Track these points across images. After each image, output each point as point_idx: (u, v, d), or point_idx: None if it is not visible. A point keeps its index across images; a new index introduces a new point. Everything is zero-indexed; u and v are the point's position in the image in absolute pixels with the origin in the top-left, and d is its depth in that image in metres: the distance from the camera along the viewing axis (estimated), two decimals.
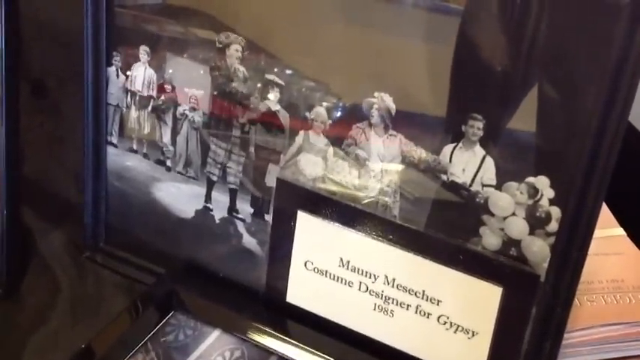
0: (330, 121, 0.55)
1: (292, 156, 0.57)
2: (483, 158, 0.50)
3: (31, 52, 0.67)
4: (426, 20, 0.50)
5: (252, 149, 0.58)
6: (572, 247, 0.49)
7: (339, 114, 0.55)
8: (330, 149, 0.55)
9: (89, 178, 0.65)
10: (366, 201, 0.55)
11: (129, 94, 0.62)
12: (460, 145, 0.51)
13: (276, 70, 0.56)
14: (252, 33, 0.56)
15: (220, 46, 0.57)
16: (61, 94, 0.69)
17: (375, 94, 0.52)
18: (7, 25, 0.63)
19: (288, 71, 0.55)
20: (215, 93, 0.58)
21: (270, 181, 0.58)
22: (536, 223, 0.50)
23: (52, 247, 0.69)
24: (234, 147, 0.59)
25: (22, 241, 0.68)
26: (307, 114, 0.55)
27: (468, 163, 0.51)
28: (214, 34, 0.57)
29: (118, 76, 0.62)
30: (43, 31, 0.67)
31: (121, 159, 0.65)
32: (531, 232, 0.50)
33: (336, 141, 0.55)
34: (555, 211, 0.49)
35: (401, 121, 0.52)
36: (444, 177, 0.52)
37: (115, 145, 0.64)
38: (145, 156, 0.64)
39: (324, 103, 0.54)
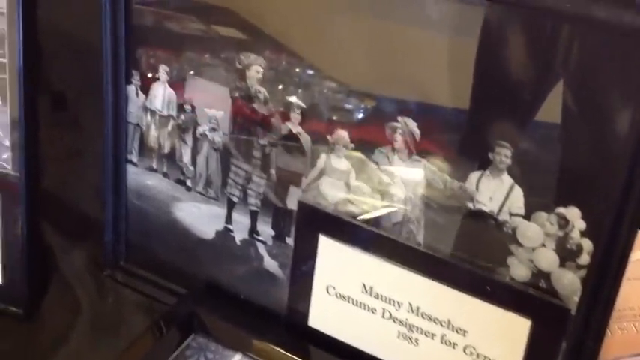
0: (352, 145, 0.53)
1: (314, 179, 0.56)
2: (511, 187, 0.48)
3: (50, 66, 0.66)
4: (456, 13, 0.47)
5: (273, 171, 0.57)
6: (604, 281, 0.47)
7: (362, 130, 0.53)
8: (353, 173, 0.54)
9: (109, 196, 0.65)
10: (388, 225, 0.54)
11: (148, 113, 0.61)
12: (487, 172, 0.49)
13: (297, 70, 0.54)
14: (277, 33, 0.54)
15: (240, 67, 0.56)
16: (80, 107, 0.69)
17: (399, 118, 0.51)
18: (26, 39, 0.63)
19: (310, 71, 0.54)
20: (235, 114, 0.57)
21: (292, 203, 0.57)
22: (566, 255, 0.48)
23: (72, 265, 0.68)
24: (255, 169, 0.58)
25: (42, 259, 0.67)
26: (329, 137, 0.54)
27: (496, 192, 0.49)
28: (238, 32, 0.55)
29: (137, 94, 0.61)
30: (62, 45, 0.66)
31: (141, 178, 0.64)
32: (561, 264, 0.48)
33: (359, 165, 0.53)
34: (587, 244, 0.47)
35: (425, 147, 0.51)
36: (471, 205, 0.50)
37: (134, 164, 0.64)
38: (165, 175, 0.63)
39: (349, 110, 0.52)
